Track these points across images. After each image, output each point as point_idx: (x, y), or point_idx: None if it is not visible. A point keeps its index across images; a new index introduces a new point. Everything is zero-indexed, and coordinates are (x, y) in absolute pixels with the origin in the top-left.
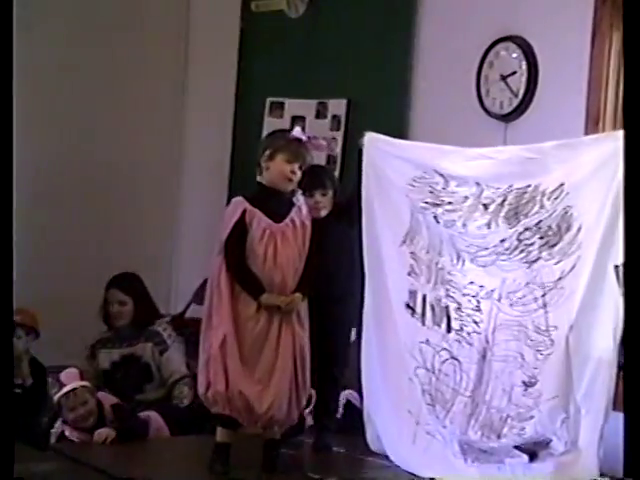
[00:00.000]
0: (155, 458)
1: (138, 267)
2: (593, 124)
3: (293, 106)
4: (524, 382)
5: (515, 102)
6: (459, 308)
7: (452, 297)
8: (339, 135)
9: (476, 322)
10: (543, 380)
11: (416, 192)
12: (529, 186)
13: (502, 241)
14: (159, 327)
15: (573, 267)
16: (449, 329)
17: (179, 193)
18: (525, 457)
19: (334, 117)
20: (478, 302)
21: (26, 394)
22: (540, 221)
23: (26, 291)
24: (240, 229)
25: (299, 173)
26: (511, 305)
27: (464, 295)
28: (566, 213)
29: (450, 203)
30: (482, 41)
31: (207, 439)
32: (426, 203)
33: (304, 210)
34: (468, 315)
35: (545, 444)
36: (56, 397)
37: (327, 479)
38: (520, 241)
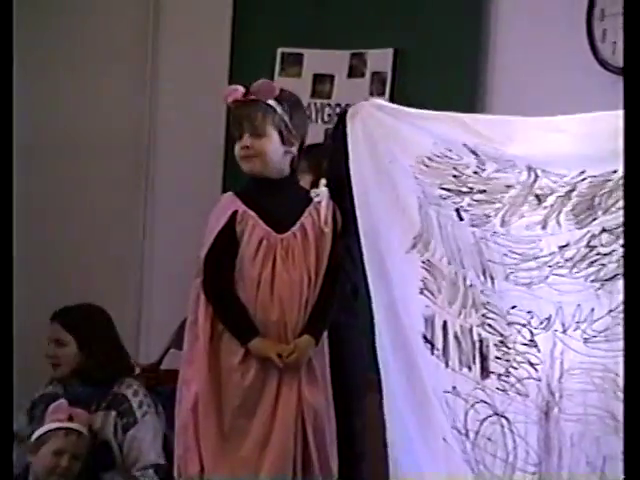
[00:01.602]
0: None
1: (98, 300)
2: None
3: (316, 59)
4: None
5: None
6: (503, 343)
7: (491, 326)
8: (383, 100)
9: (532, 364)
10: None
11: (431, 174)
12: (615, 172)
13: (563, 247)
14: (128, 390)
15: None
16: (485, 373)
17: (151, 188)
18: None
19: (375, 75)
20: (532, 334)
21: None
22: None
23: None
24: (227, 241)
25: (258, 143)
26: (586, 341)
27: (510, 324)
28: None
29: (483, 192)
30: None
31: None
32: (446, 190)
33: (323, 211)
34: (518, 353)
35: None
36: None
37: None
38: (592, 248)
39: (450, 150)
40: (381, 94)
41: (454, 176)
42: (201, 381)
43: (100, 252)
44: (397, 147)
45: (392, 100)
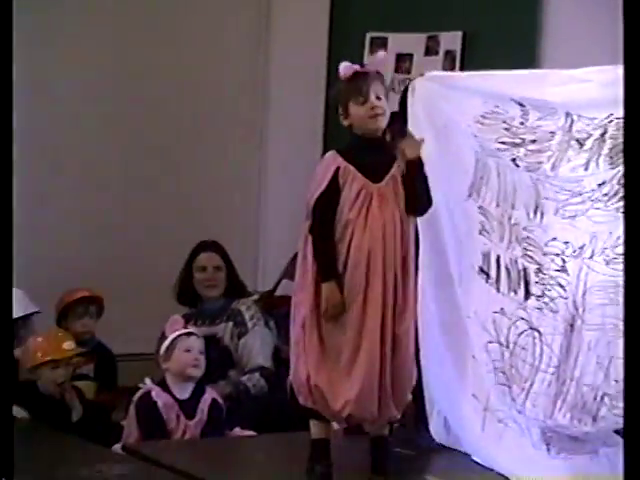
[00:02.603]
0: (239, 459)
1: (220, 239)
2: None
3: (398, 41)
4: None
5: None
6: (540, 270)
7: (531, 257)
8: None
9: (562, 285)
10: None
11: (487, 131)
12: None
13: (600, 185)
14: (242, 306)
15: None
16: (527, 295)
17: (265, 150)
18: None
19: (447, 53)
20: (564, 262)
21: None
22: None
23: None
24: (332, 190)
25: (382, 103)
26: (607, 263)
27: (545, 254)
28: None
29: (534, 142)
30: None
31: (303, 436)
32: (502, 143)
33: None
34: (551, 277)
35: None
36: (163, 347)
37: None
38: (622, 184)
39: (497, 106)
40: (452, 69)
41: (505, 129)
42: (308, 305)
43: (225, 199)
44: (452, 110)
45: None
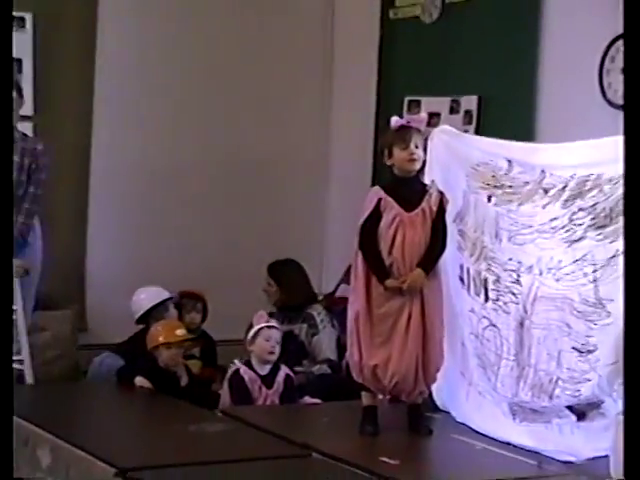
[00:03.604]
0: (308, 420)
1: (293, 251)
2: None
3: (428, 103)
4: (575, 348)
5: None
6: (497, 280)
7: (492, 271)
8: (471, 128)
9: (514, 293)
10: (602, 347)
11: (477, 175)
12: (592, 174)
13: (552, 220)
14: (314, 311)
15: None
16: (487, 299)
17: (327, 184)
18: (574, 417)
19: (466, 112)
20: (518, 276)
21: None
22: (596, 203)
23: (193, 274)
24: (375, 216)
25: (419, 151)
26: (557, 280)
27: (505, 270)
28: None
29: (510, 187)
30: (603, 38)
31: (357, 404)
32: (487, 185)
33: (434, 196)
34: (506, 287)
35: (597, 405)
36: (249, 335)
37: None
38: (571, 221)
39: (491, 160)
40: (469, 124)
41: (492, 176)
42: (359, 302)
43: (297, 220)
44: (455, 157)
45: (477, 129)
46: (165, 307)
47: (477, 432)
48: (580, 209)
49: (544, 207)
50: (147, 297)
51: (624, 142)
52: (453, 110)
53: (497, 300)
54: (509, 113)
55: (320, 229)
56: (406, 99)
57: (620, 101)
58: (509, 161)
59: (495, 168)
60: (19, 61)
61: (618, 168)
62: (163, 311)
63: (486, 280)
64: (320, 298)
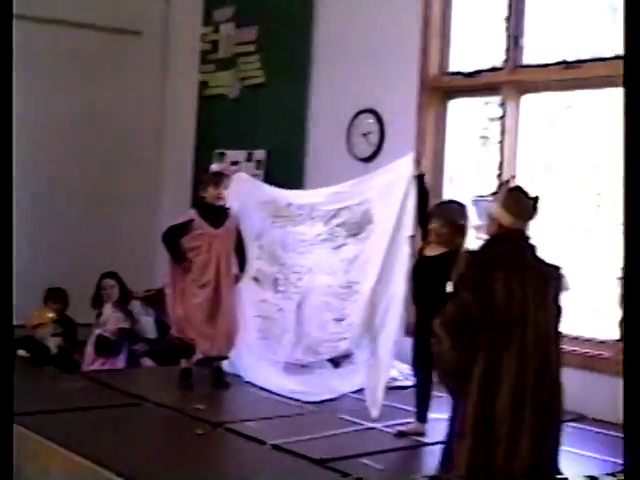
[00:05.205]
0: (145, 380)
1: (128, 257)
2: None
3: (231, 154)
4: (335, 319)
5: (371, 150)
6: (286, 279)
7: (283, 272)
8: (261, 173)
9: (297, 287)
10: (354, 316)
11: (264, 208)
12: (345, 206)
13: (318, 235)
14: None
15: (373, 245)
16: (277, 291)
17: (160, 206)
18: (332, 366)
19: (258, 161)
20: (301, 275)
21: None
22: (347, 219)
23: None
24: (182, 226)
25: (225, 192)
26: (327, 275)
27: (292, 272)
28: (367, 212)
29: (288, 216)
30: (352, 111)
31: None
32: (271, 215)
33: (234, 218)
34: (291, 282)
35: (349, 356)
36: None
37: None
38: (331, 234)
39: (275, 199)
40: (260, 170)
41: (275, 209)
42: (172, 282)
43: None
44: (250, 194)
45: (266, 173)
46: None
47: (260, 387)
48: (337, 225)
49: (312, 227)
50: None
51: (624, 141)
52: (250, 159)
53: (284, 292)
54: (288, 162)
55: (151, 242)
56: (215, 151)
57: (362, 155)
58: (289, 203)
59: (277, 204)
60: None
61: (361, 195)
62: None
63: (277, 279)
64: (141, 295)
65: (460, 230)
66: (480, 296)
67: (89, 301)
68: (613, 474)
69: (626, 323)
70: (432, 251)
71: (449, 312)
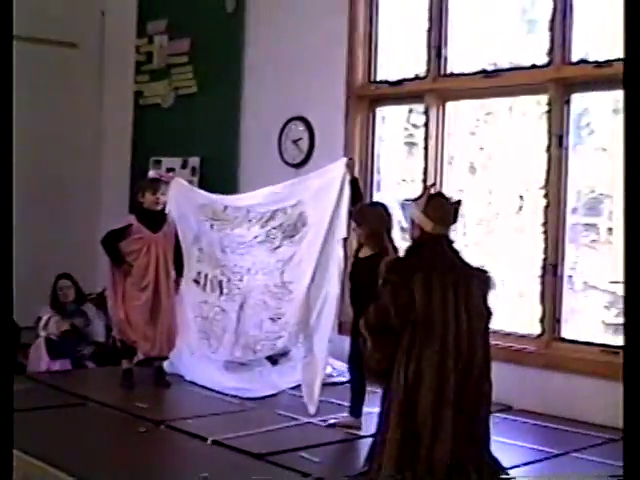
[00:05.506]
0: (90, 381)
1: (73, 261)
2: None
3: (167, 161)
4: (271, 318)
5: (302, 156)
6: (229, 281)
7: (225, 274)
8: (196, 179)
9: (239, 288)
10: (289, 315)
11: (201, 212)
12: (280, 208)
13: (255, 237)
14: (87, 309)
15: (307, 246)
16: (221, 294)
17: (99, 211)
18: (269, 364)
19: (193, 168)
20: (242, 276)
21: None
22: (283, 222)
23: None
24: (120, 231)
25: (163, 197)
26: (264, 275)
27: (234, 273)
28: (302, 215)
29: (226, 219)
30: (283, 119)
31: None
32: (209, 218)
33: (171, 223)
34: (234, 284)
35: (286, 354)
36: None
37: None
38: (268, 236)
39: (212, 203)
40: (194, 176)
41: (212, 212)
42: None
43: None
44: (188, 199)
45: (200, 179)
46: None
47: (201, 385)
48: (273, 228)
49: (249, 229)
50: None
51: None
52: (185, 166)
53: (228, 293)
54: (222, 169)
55: (93, 246)
56: (151, 159)
57: (292, 161)
58: (223, 204)
59: (214, 208)
60: None
61: (295, 198)
62: None
63: (221, 282)
64: (92, 297)
65: (379, 234)
66: (398, 298)
67: (37, 304)
68: None
69: (626, 325)
70: (364, 253)
71: (370, 314)
